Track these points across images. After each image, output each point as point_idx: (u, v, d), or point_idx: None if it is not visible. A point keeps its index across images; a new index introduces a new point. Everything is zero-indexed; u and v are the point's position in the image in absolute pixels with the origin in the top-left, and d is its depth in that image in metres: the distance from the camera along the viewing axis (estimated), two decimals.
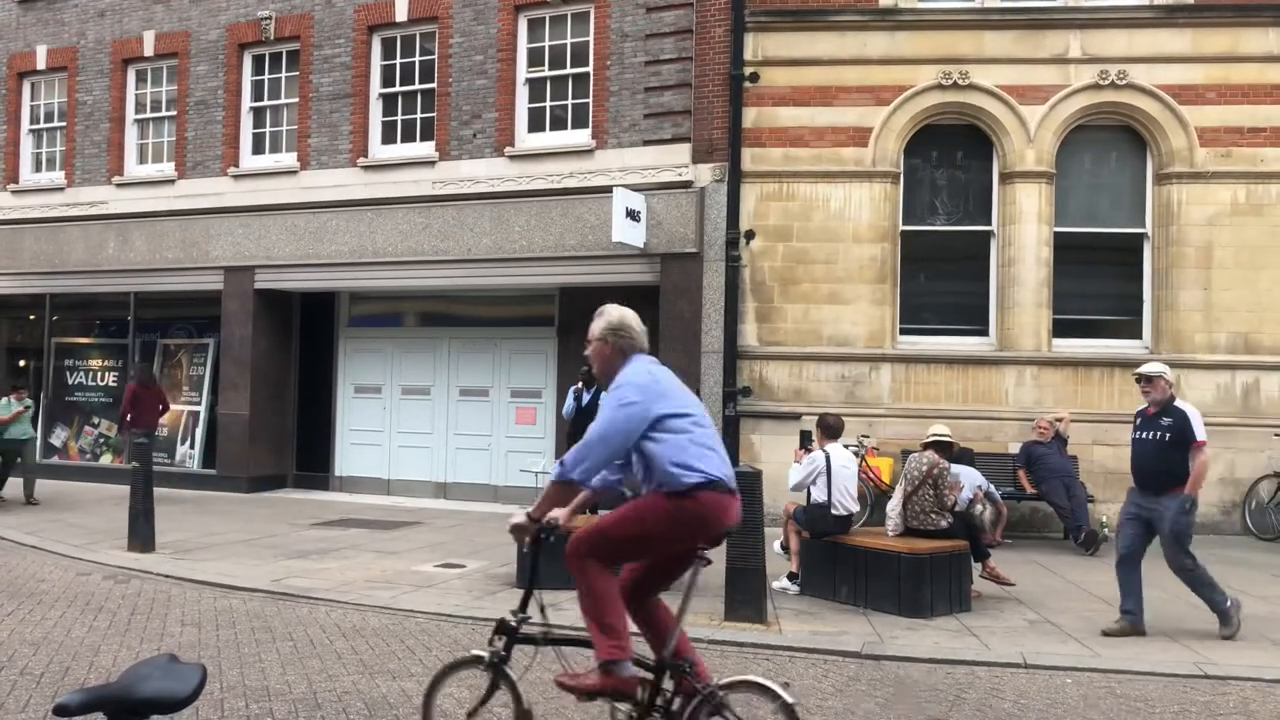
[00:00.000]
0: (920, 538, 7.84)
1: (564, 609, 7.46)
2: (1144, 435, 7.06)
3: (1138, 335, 12.07)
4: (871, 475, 11.24)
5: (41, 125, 17.08)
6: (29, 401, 13.91)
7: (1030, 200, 11.96)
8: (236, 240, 15.01)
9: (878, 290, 12.14)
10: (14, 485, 13.49)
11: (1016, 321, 11.96)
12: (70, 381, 17.06)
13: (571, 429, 12.28)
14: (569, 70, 13.43)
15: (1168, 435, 6.90)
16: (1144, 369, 7.21)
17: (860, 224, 12.19)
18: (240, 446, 14.94)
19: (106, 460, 16.40)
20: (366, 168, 14.32)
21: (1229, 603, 6.96)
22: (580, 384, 12.22)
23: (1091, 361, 11.89)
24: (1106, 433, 11.73)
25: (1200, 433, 6.88)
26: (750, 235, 12.32)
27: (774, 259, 12.33)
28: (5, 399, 13.53)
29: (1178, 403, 7.12)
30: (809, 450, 8.83)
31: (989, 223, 12.24)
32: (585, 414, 12.10)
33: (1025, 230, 11.95)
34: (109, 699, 1.92)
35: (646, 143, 12.78)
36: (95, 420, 16.71)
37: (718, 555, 7.73)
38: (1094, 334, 12.14)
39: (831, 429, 8.41)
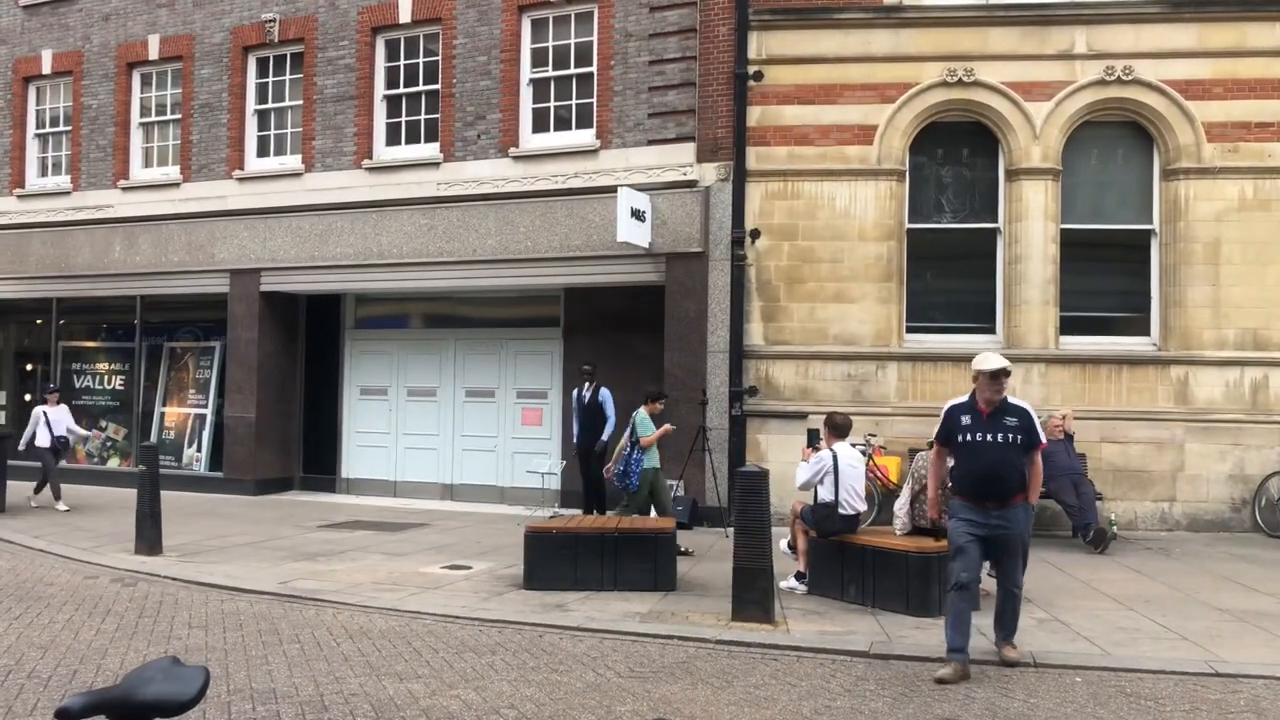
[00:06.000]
0: (928, 536, 7.80)
1: (570, 610, 7.46)
2: (988, 437, 6.11)
3: (1146, 332, 12.01)
4: (879, 474, 11.21)
5: (47, 130, 17.12)
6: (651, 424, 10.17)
7: (1037, 197, 11.91)
8: (242, 243, 15.03)
9: (884, 288, 12.11)
10: None
11: (1024, 319, 11.91)
12: (77, 385, 17.09)
13: (579, 423, 12.22)
14: (573, 70, 13.42)
15: (1018, 438, 6.09)
16: (1001, 364, 6.18)
17: (866, 222, 12.15)
18: (247, 449, 14.95)
19: (114, 464, 16.44)
20: (371, 169, 14.32)
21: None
22: (586, 383, 12.22)
23: (1099, 359, 11.84)
24: (1115, 430, 11.68)
25: (1042, 433, 6.29)
26: (755, 234, 12.29)
27: (779, 258, 12.30)
28: (640, 411, 10.23)
29: (1014, 400, 6.33)
30: (817, 449, 8.80)
31: (995, 220, 12.19)
32: (588, 409, 12.11)
33: (1032, 227, 11.90)
34: (110, 703, 1.90)
35: (651, 142, 12.76)
36: (103, 424, 16.74)
37: (725, 555, 7.68)
38: (1102, 331, 12.07)
39: (839, 428, 8.38)
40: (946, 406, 6.47)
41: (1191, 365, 11.67)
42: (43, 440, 13.08)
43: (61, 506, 12.84)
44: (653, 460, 10.30)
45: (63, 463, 16.66)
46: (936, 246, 12.35)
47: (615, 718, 5.09)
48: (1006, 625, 6.33)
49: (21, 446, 13.35)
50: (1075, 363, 11.84)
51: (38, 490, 13.24)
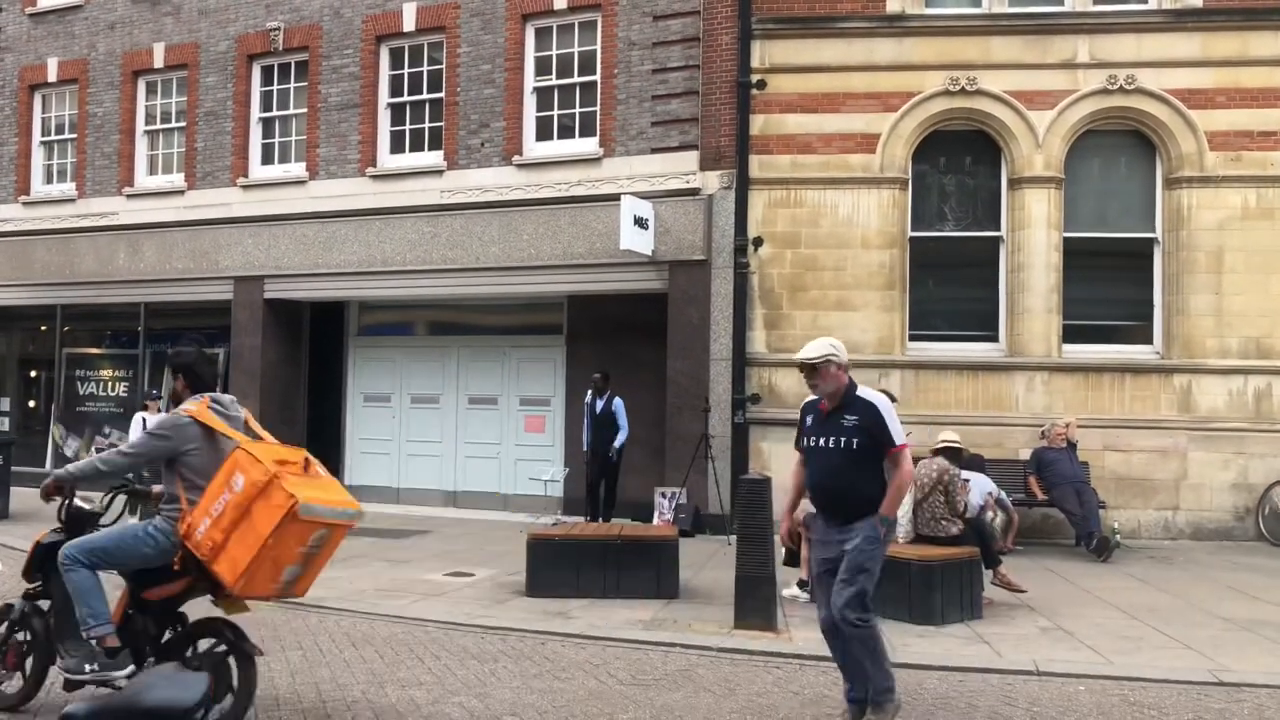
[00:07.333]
0: (931, 545, 7.80)
1: (573, 617, 7.46)
2: (819, 441, 5.08)
3: (1148, 340, 12.01)
4: None
5: (52, 137, 17.19)
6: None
7: (1039, 205, 11.92)
8: (246, 250, 15.07)
9: (887, 296, 12.11)
10: None
11: (1026, 327, 11.91)
12: (81, 392, 17.12)
13: (590, 432, 12.16)
14: (576, 79, 13.45)
15: (855, 441, 4.95)
16: (814, 353, 5.03)
17: (869, 230, 12.17)
18: None
19: None
20: (375, 177, 14.36)
21: (893, 695, 4.93)
22: (592, 391, 12.20)
23: (1102, 367, 11.84)
24: (1118, 438, 11.67)
25: (899, 434, 4.96)
26: (758, 242, 12.31)
27: (782, 266, 12.31)
28: None
29: (862, 392, 5.08)
30: None
31: (998, 228, 12.20)
32: (600, 419, 12.06)
33: (1034, 236, 11.91)
34: (115, 709, 1.91)
35: (654, 150, 12.79)
36: (106, 430, 16.76)
37: (728, 563, 7.66)
38: (1104, 339, 12.08)
39: None
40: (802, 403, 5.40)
41: (1195, 374, 11.67)
42: None
43: None
44: None
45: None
46: (939, 255, 12.35)
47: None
48: (848, 676, 5.04)
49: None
50: (1078, 371, 11.84)
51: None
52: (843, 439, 4.96)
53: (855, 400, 5.01)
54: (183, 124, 15.93)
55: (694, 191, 12.52)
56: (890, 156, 12.15)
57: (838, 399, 5.04)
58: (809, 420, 5.19)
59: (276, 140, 15.41)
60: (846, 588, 4.86)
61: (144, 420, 12.79)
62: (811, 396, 5.23)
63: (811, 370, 5.02)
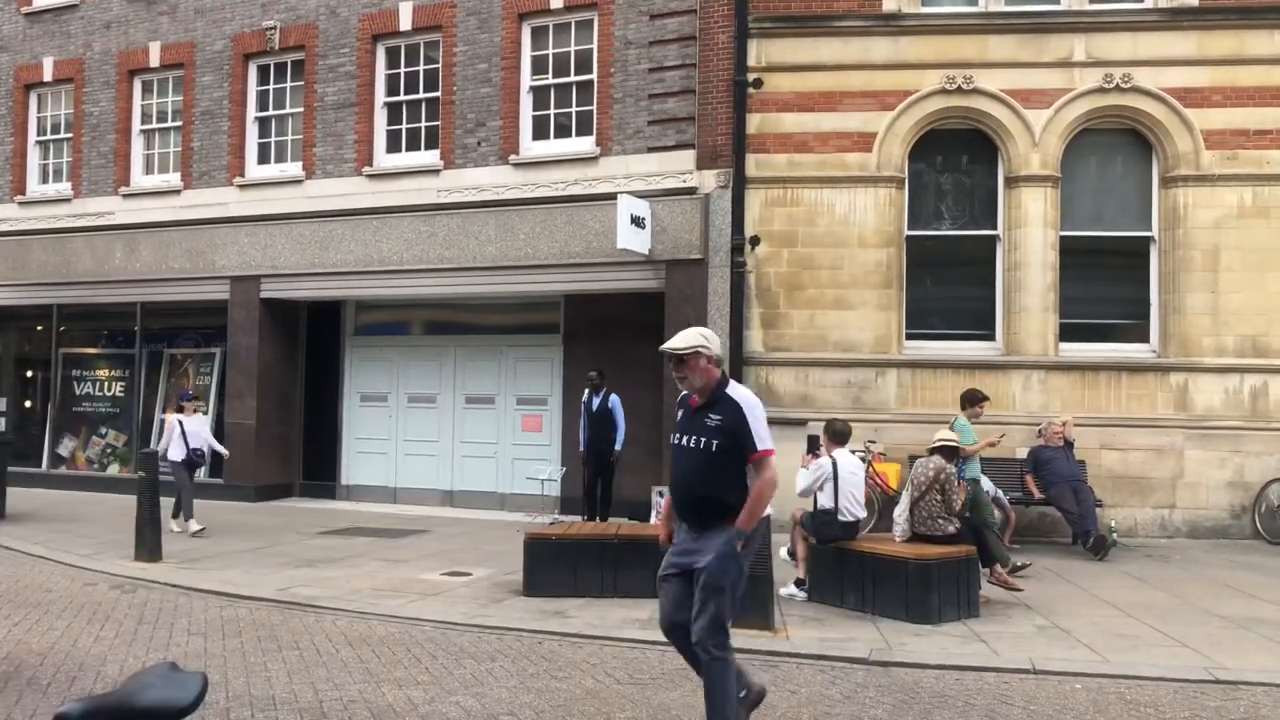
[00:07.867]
0: (928, 543, 7.81)
1: (570, 616, 7.45)
2: (682, 439, 4.65)
3: (1145, 339, 12.02)
4: (878, 481, 11.20)
5: (48, 136, 17.15)
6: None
7: (1036, 204, 11.93)
8: (242, 250, 15.05)
9: (883, 295, 12.11)
10: None
11: (1023, 326, 11.92)
12: (78, 392, 17.09)
13: (589, 431, 12.16)
14: (573, 78, 13.44)
15: (716, 442, 4.51)
16: (680, 344, 4.62)
17: (865, 229, 12.17)
18: (247, 456, 14.93)
19: (114, 470, 16.43)
20: (371, 176, 14.34)
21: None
22: (588, 389, 12.20)
23: (1099, 365, 11.84)
24: (1114, 437, 11.68)
25: (763, 438, 4.49)
26: (755, 241, 12.31)
27: (779, 265, 12.31)
28: (959, 417, 9.81)
29: (731, 390, 4.62)
30: (816, 456, 8.80)
31: (994, 227, 12.20)
32: (598, 417, 12.05)
33: (1031, 234, 11.92)
34: (109, 708, 1.91)
35: (651, 149, 12.78)
36: (103, 430, 16.74)
37: None
38: (1101, 338, 12.08)
39: (839, 434, 8.38)
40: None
41: (1191, 372, 11.68)
42: (176, 454, 11.76)
43: (194, 526, 11.46)
44: (973, 471, 9.59)
45: (62, 469, 16.78)
46: (936, 253, 12.35)
47: None
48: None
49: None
50: (1075, 369, 11.85)
51: (175, 513, 11.67)
52: (703, 439, 4.53)
53: (723, 398, 4.56)
54: (179, 123, 15.91)
55: (690, 190, 12.52)
56: (887, 155, 12.15)
57: (706, 395, 4.59)
58: (680, 414, 4.76)
59: (273, 140, 15.38)
60: (702, 613, 4.50)
61: (180, 423, 12.01)
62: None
63: (679, 362, 4.56)
